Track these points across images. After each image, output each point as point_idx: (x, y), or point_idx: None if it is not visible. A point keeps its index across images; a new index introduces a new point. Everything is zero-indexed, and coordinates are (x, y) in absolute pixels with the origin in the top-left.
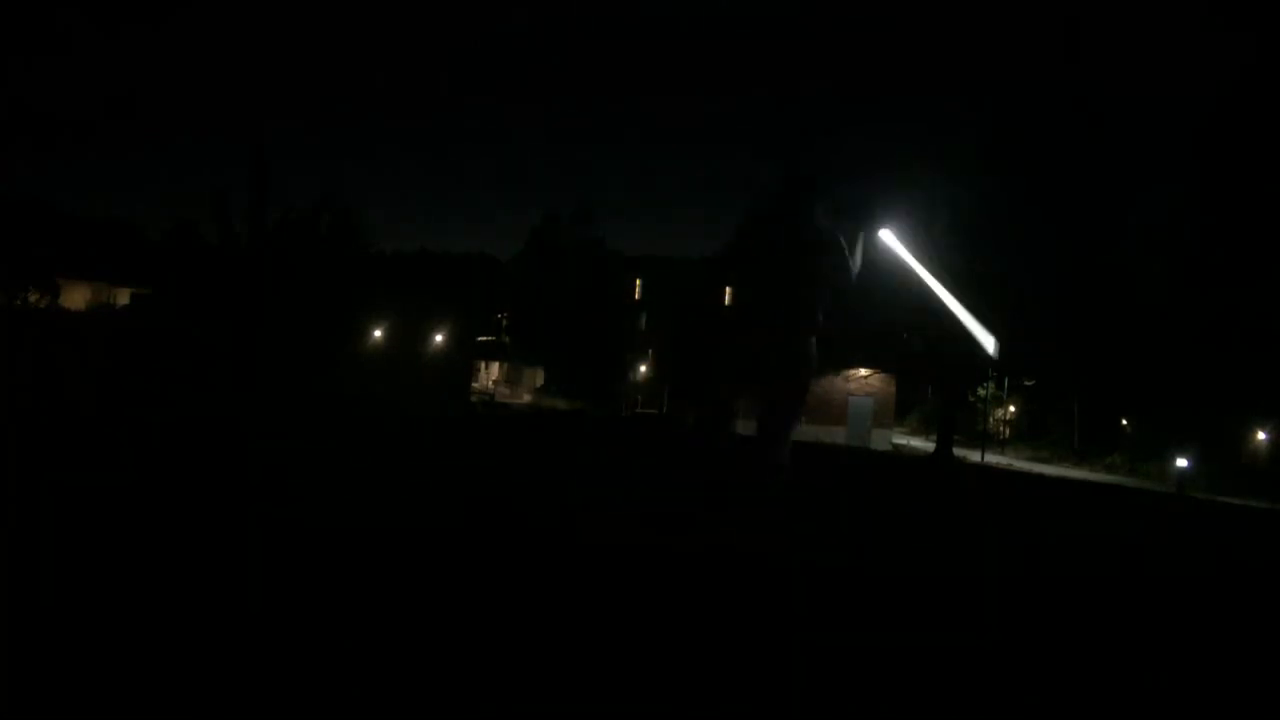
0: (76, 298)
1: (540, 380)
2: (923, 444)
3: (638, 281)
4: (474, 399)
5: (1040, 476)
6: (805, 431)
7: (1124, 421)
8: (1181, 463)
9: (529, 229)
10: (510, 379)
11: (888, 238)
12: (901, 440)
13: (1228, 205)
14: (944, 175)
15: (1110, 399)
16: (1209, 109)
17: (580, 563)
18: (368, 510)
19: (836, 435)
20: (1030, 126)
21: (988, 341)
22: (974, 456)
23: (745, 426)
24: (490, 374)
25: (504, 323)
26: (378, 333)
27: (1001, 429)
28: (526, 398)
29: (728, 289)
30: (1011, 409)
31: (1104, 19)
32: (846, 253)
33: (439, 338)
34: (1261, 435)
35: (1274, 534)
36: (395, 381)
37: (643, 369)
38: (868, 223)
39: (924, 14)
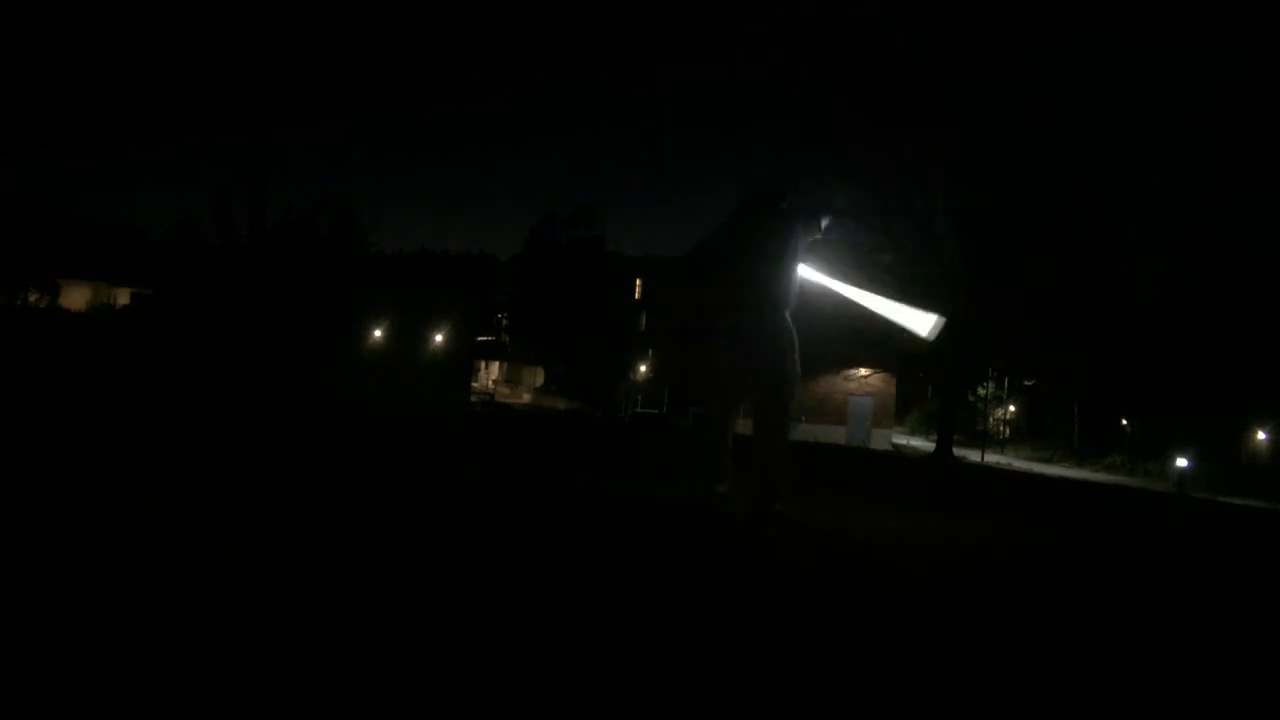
0: (76, 298)
1: (540, 380)
2: (923, 444)
3: (638, 281)
4: (474, 399)
5: (1042, 476)
6: (804, 430)
7: (1124, 421)
8: (1181, 462)
9: (529, 229)
10: (510, 379)
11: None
12: (901, 440)
13: (1228, 205)
14: (943, 174)
15: (1110, 399)
16: (1208, 110)
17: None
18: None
19: (836, 434)
20: (1029, 126)
21: (922, 325)
22: (974, 456)
23: (745, 426)
24: (490, 374)
25: (504, 323)
26: (378, 332)
27: (1001, 429)
28: (526, 398)
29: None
30: (1011, 409)
31: (1103, 20)
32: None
33: (439, 338)
34: (1261, 435)
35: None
36: (395, 381)
37: (643, 369)
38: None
39: (923, 10)
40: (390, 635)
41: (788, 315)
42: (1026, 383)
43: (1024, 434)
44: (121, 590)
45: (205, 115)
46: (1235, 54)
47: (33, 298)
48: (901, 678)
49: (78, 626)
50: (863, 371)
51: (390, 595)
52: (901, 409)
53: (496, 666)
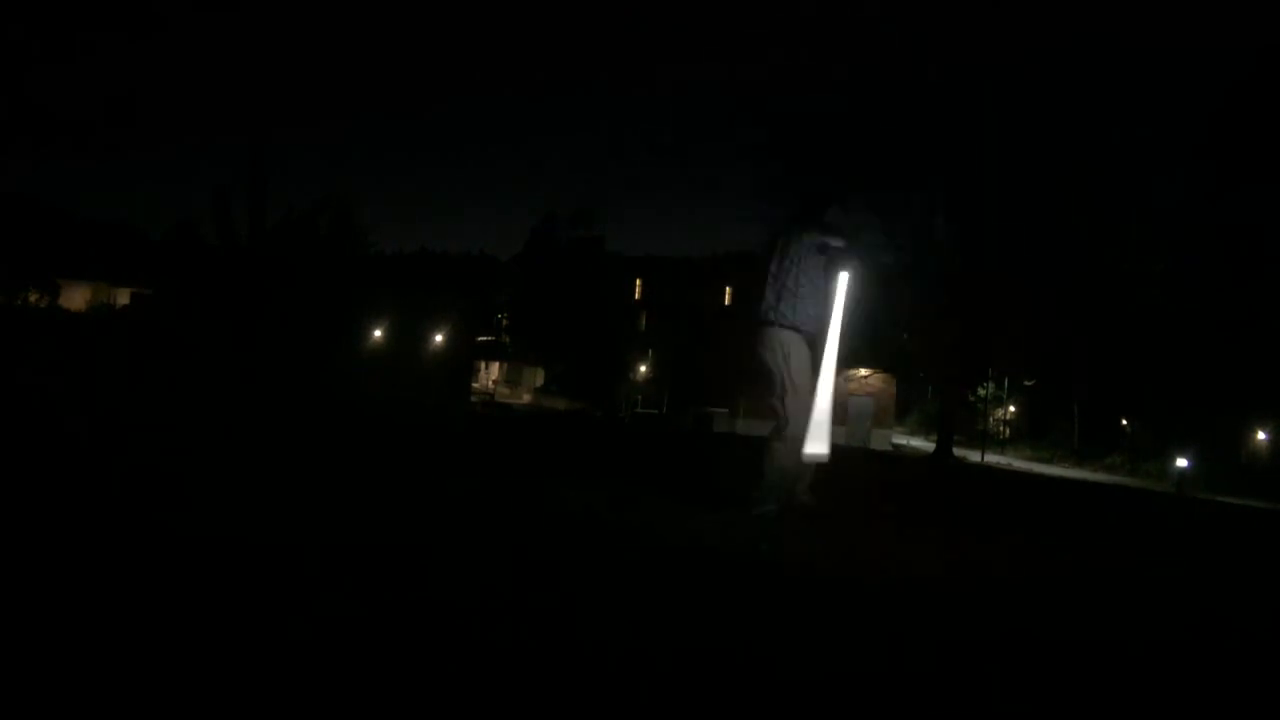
0: (76, 298)
1: (540, 380)
2: (923, 444)
3: (638, 281)
4: (474, 399)
5: (1042, 477)
6: None
7: (1124, 421)
8: (1181, 463)
9: (529, 229)
10: (510, 379)
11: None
12: (901, 440)
13: (1228, 205)
14: (944, 175)
15: (1110, 399)
16: (1209, 110)
17: None
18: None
19: (836, 435)
20: (1030, 126)
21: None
22: (974, 457)
23: (744, 426)
24: (490, 374)
25: (504, 323)
26: (378, 333)
27: (1001, 429)
28: (526, 398)
29: (727, 289)
30: (1011, 409)
31: (1104, 19)
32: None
33: (439, 338)
34: (1261, 435)
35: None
36: (395, 382)
37: (643, 369)
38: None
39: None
40: (390, 635)
41: (783, 330)
42: (1026, 383)
43: (1024, 434)
44: (122, 590)
45: (205, 115)
46: (1235, 54)
47: (33, 298)
48: (901, 677)
49: (79, 627)
50: (863, 372)
51: (390, 595)
52: (902, 409)
53: (496, 666)
